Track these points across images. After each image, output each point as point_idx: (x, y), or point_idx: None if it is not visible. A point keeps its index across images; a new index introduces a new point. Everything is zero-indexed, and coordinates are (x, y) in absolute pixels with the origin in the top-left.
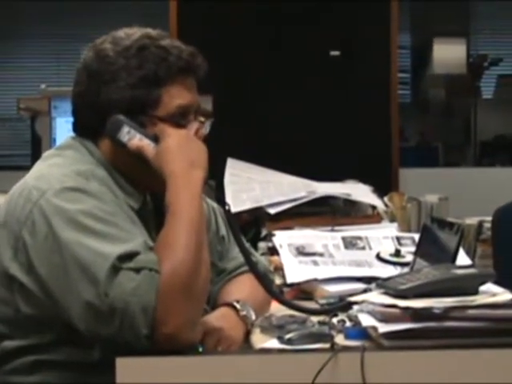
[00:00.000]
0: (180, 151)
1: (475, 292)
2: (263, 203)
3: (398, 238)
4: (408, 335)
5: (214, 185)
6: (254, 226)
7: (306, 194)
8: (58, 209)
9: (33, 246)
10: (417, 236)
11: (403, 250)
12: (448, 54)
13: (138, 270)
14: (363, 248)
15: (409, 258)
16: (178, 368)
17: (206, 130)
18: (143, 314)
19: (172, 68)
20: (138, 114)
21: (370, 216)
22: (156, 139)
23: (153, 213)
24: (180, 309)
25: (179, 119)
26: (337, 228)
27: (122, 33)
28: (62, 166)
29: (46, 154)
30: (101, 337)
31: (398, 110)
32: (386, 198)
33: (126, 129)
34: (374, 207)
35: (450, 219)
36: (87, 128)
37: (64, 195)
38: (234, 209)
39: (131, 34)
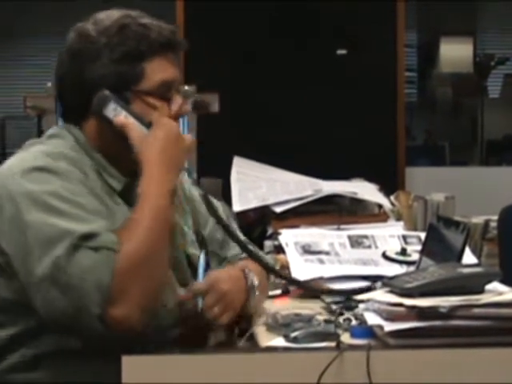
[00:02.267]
0: (165, 146)
1: (481, 291)
2: (269, 202)
3: (404, 237)
4: (414, 334)
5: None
6: (260, 224)
7: (313, 192)
8: (24, 190)
9: (0, 228)
10: (423, 235)
11: (409, 248)
12: (455, 53)
13: (96, 249)
14: (369, 247)
15: (415, 256)
16: (184, 366)
17: (189, 107)
18: (97, 291)
19: (153, 43)
20: (122, 90)
21: (377, 215)
22: (149, 125)
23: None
24: (134, 291)
25: (163, 93)
26: (343, 226)
27: (103, 14)
28: (35, 151)
29: (28, 142)
30: (56, 318)
31: (404, 108)
32: (392, 197)
33: (112, 105)
34: (380, 206)
35: (457, 218)
36: (73, 110)
37: (30, 176)
38: (240, 207)
39: (112, 14)
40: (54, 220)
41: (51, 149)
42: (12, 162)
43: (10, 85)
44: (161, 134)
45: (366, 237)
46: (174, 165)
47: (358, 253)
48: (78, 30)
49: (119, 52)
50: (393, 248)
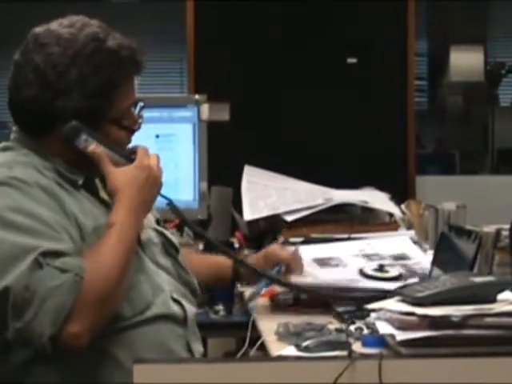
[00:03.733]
0: (143, 188)
1: (493, 300)
2: (280, 210)
3: (368, 256)
4: (426, 343)
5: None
6: (270, 233)
7: (323, 201)
8: None
9: None
10: (382, 249)
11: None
12: (465, 61)
13: (63, 271)
14: (337, 265)
15: (393, 272)
16: (195, 374)
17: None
18: (56, 313)
19: (124, 71)
20: (92, 121)
21: (387, 223)
22: (127, 157)
23: (100, 187)
24: (90, 315)
25: (126, 120)
26: (354, 235)
27: (64, 32)
28: None
29: None
30: (12, 331)
31: (414, 117)
32: (403, 206)
33: (83, 136)
34: (391, 215)
35: (468, 227)
36: (32, 128)
37: None
38: (250, 216)
39: (75, 33)
40: (14, 236)
41: (2, 159)
42: None
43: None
44: (142, 176)
45: (330, 258)
46: (148, 204)
47: (331, 271)
48: (44, 51)
49: (92, 84)
50: (369, 265)
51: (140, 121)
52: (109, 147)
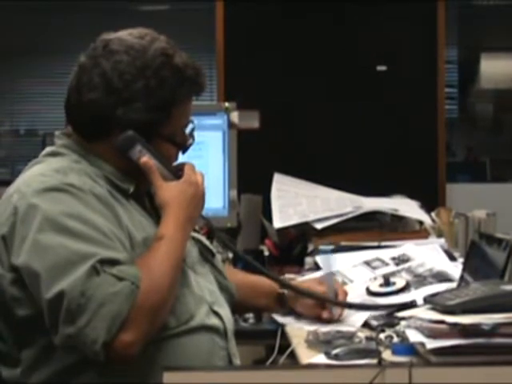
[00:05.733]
0: (189, 203)
1: None
2: (310, 218)
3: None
4: (456, 351)
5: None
6: (300, 241)
7: (353, 209)
8: (37, 211)
9: (11, 248)
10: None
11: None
12: (496, 68)
13: (120, 279)
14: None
15: (400, 283)
16: (226, 382)
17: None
18: (112, 320)
19: (187, 91)
20: (147, 133)
21: (418, 231)
22: (175, 173)
23: (146, 195)
24: (144, 324)
25: (178, 137)
26: (384, 243)
27: (135, 42)
28: (41, 168)
29: (30, 164)
30: (61, 336)
31: (444, 124)
32: (433, 214)
33: (138, 147)
34: (421, 223)
35: (498, 235)
36: (86, 131)
37: (44, 196)
38: (280, 224)
39: (146, 46)
40: (71, 242)
41: (56, 165)
42: (19, 183)
43: (51, 101)
44: (190, 192)
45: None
46: (194, 220)
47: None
48: (113, 59)
49: (155, 98)
50: (374, 282)
51: (190, 141)
52: (160, 161)
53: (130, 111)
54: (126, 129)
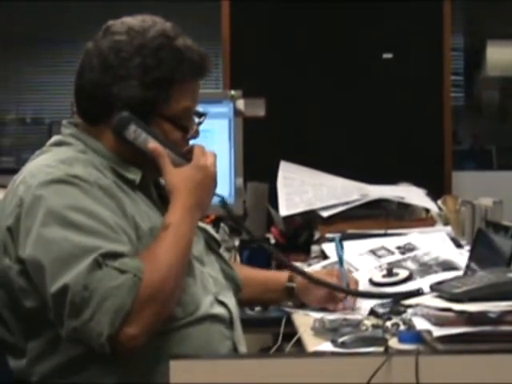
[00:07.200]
0: (198, 188)
1: None
2: (316, 206)
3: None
4: (463, 339)
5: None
6: (306, 229)
7: (359, 197)
8: (42, 204)
9: (17, 240)
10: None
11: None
12: (502, 56)
13: (122, 272)
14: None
15: (402, 274)
16: (231, 371)
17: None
18: (115, 313)
19: (186, 71)
20: (144, 112)
21: (424, 219)
22: (184, 156)
23: (152, 184)
24: (148, 316)
25: (182, 120)
26: (390, 231)
27: (136, 24)
28: (47, 159)
29: (35, 154)
30: (66, 329)
31: (451, 112)
32: (439, 202)
33: (133, 127)
34: (427, 210)
35: (505, 223)
36: (89, 116)
37: (49, 188)
38: (286, 212)
39: (147, 28)
40: (74, 235)
41: (62, 155)
42: (25, 174)
43: (57, 90)
44: (199, 177)
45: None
46: (204, 205)
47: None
48: (112, 39)
49: (152, 76)
50: (378, 273)
51: (196, 128)
52: (165, 145)
53: (126, 89)
54: (123, 109)
